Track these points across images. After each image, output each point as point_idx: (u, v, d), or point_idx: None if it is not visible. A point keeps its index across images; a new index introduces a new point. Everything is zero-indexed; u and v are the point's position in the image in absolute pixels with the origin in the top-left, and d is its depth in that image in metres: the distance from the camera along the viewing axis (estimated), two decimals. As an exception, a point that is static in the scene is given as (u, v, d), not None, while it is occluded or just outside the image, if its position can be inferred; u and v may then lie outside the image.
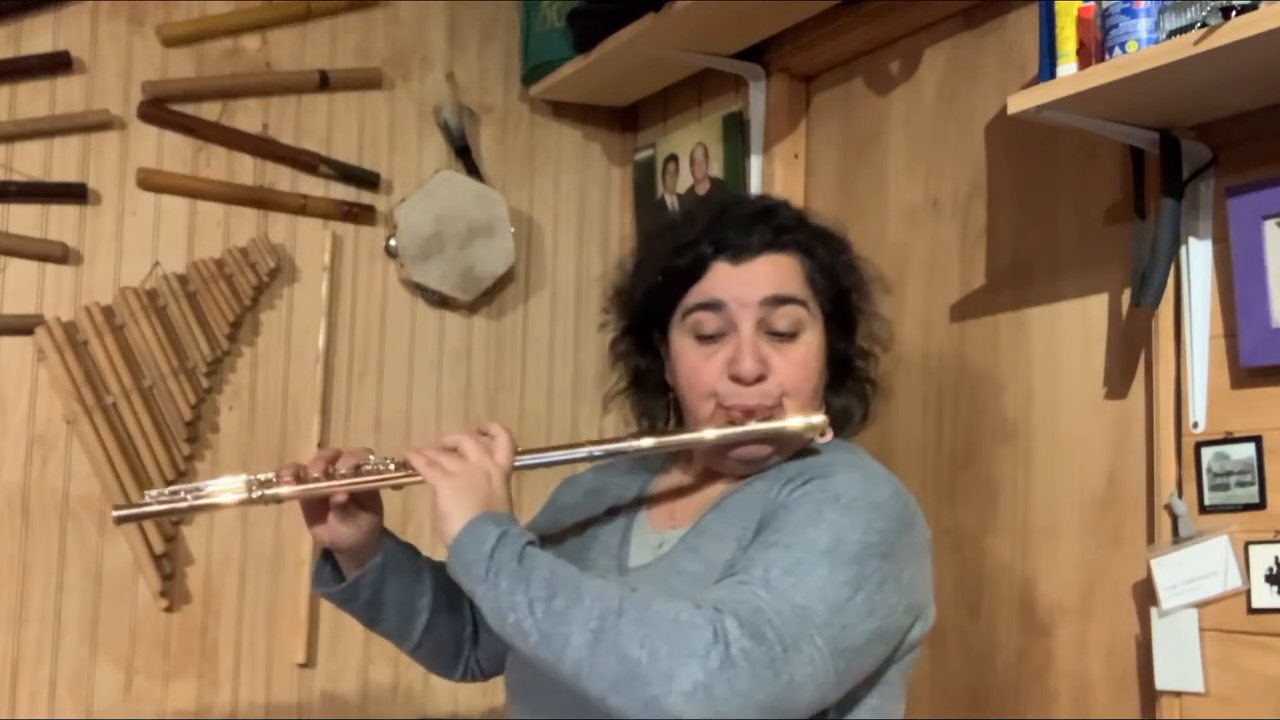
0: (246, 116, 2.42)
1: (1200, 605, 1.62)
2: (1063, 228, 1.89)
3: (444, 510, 1.26)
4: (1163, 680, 1.65)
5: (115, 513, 1.41)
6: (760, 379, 1.32)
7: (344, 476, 1.38)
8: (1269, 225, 1.57)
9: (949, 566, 1.99)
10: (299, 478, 1.38)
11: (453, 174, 2.54)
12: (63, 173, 2.28)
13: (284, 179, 2.44)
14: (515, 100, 2.67)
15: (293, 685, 2.39)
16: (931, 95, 2.13)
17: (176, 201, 2.36)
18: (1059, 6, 1.63)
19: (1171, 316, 1.69)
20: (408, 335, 2.54)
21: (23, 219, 2.25)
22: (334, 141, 2.49)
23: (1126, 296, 1.77)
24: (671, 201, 2.57)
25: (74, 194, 2.28)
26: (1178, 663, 1.63)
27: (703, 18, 2.19)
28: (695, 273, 1.35)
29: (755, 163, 2.38)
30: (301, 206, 2.44)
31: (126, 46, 2.34)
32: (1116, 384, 1.80)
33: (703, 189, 2.48)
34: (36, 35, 2.27)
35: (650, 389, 1.46)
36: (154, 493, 1.39)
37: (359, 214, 2.49)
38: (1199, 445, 1.65)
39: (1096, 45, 1.57)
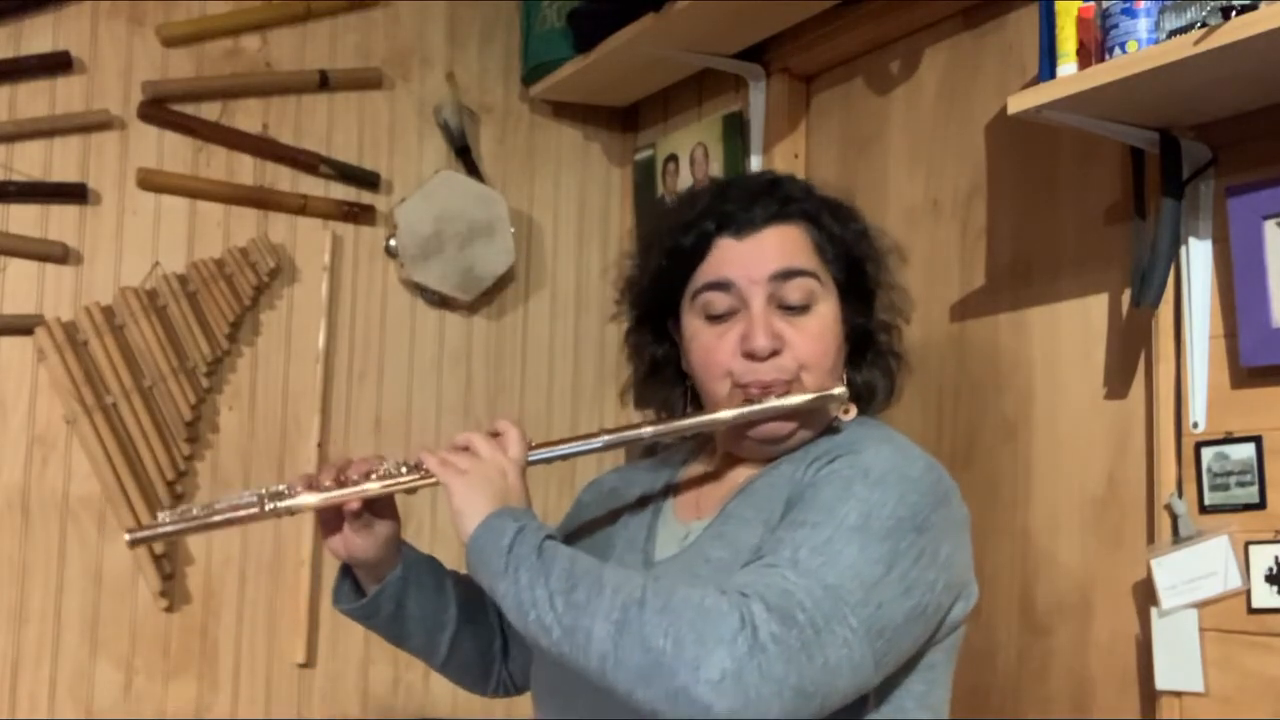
0: (246, 116, 2.42)
1: (1200, 605, 1.62)
2: (1063, 228, 1.89)
3: (459, 508, 1.23)
4: (1163, 680, 1.65)
5: (128, 536, 1.37)
6: (775, 354, 1.28)
7: (357, 484, 1.34)
8: (1269, 225, 1.57)
9: (949, 566, 1.98)
10: (311, 487, 1.34)
11: (453, 174, 2.54)
12: (63, 173, 2.28)
13: (284, 179, 2.44)
14: (515, 100, 2.67)
15: (293, 685, 2.39)
16: (931, 95, 2.13)
17: (176, 201, 2.36)
18: (1059, 6, 1.63)
19: (1171, 316, 1.69)
20: (408, 335, 2.54)
21: (23, 219, 2.25)
22: (334, 141, 2.49)
23: (1126, 296, 1.77)
24: (671, 202, 2.57)
25: (74, 194, 2.28)
26: (1178, 663, 1.63)
27: (703, 18, 2.19)
28: (700, 251, 1.32)
29: (755, 163, 2.38)
30: (301, 206, 2.44)
31: (126, 46, 2.34)
32: (1116, 384, 1.80)
33: (703, 189, 2.48)
34: (36, 35, 2.27)
35: (668, 378, 1.40)
36: (165, 514, 1.35)
37: (359, 214, 2.48)
38: (1199, 445, 1.65)
39: (1096, 45, 1.57)
